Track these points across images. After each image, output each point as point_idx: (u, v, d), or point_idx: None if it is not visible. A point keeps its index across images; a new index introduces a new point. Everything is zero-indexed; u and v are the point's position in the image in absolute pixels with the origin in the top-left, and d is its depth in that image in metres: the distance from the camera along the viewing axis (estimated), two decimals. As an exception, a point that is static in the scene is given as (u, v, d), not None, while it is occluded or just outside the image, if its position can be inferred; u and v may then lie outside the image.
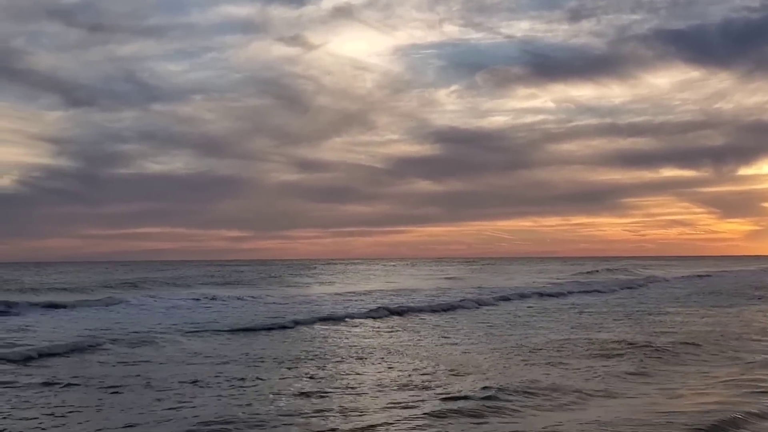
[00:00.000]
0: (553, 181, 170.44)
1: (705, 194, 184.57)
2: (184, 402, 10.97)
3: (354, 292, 40.25)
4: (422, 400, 10.86)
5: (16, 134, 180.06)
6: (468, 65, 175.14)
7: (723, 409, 10.07)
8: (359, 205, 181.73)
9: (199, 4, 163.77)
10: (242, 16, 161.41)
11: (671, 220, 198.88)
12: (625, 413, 10.03)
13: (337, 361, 14.88)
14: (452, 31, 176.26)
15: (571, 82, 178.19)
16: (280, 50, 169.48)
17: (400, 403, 10.72)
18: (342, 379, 12.82)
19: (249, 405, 10.69)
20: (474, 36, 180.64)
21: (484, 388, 11.57)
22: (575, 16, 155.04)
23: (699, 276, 64.08)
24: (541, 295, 37.96)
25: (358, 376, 13.16)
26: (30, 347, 16.42)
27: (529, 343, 17.46)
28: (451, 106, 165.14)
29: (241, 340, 18.64)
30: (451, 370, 13.53)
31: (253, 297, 36.08)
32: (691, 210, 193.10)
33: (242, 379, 12.85)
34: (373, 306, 29.11)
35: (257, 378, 12.94)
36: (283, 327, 21.48)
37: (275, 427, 9.44)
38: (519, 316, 25.64)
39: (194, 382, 12.55)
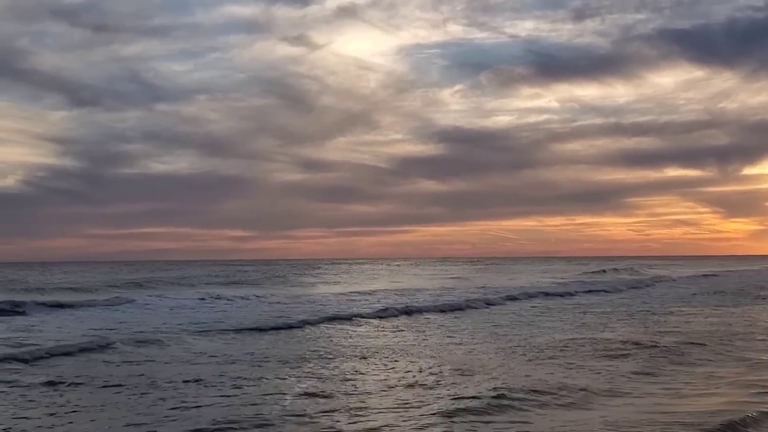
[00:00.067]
0: (558, 181, 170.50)
1: (709, 194, 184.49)
2: (190, 402, 10.96)
3: (359, 292, 40.23)
4: (430, 400, 10.85)
5: (21, 134, 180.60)
6: (472, 65, 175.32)
7: (731, 409, 10.06)
8: (363, 205, 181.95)
9: (203, 4, 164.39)
10: (246, 16, 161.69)
11: (676, 220, 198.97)
12: (633, 413, 10.03)
13: (344, 361, 14.88)
14: (456, 30, 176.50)
15: (576, 82, 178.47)
16: (284, 50, 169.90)
17: (408, 403, 10.71)
18: (349, 379, 12.81)
19: (254, 405, 10.68)
20: (478, 36, 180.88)
21: (492, 388, 11.56)
22: (579, 15, 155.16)
23: (704, 276, 63.93)
24: (547, 294, 37.92)
25: (365, 375, 13.16)
26: (38, 347, 16.45)
27: (535, 343, 17.44)
28: (455, 105, 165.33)
29: (248, 339, 18.64)
30: (459, 370, 13.52)
31: (258, 296, 36.05)
32: (695, 210, 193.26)
33: (248, 378, 12.84)
34: (380, 306, 29.16)
35: (263, 378, 12.93)
36: (290, 327, 21.47)
37: (280, 427, 9.42)
38: (525, 316, 25.63)
39: (198, 381, 12.55)
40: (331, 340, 18.54)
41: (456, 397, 11.03)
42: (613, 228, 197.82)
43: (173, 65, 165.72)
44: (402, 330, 21.11)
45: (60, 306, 28.49)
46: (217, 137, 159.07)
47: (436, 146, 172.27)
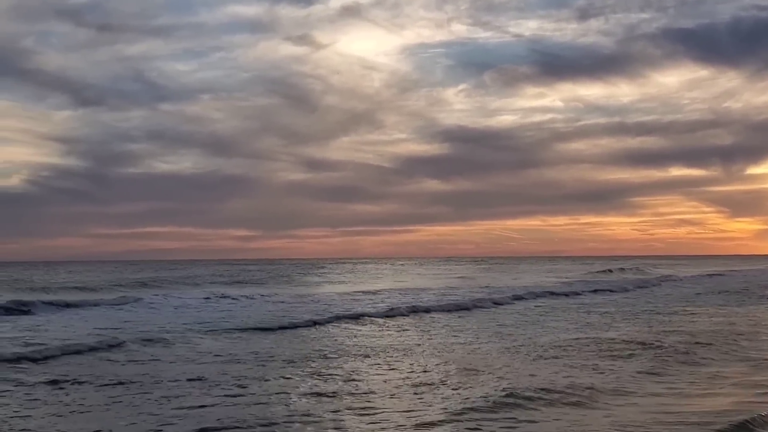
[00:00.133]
0: (562, 181, 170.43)
1: (714, 193, 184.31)
2: (195, 401, 10.98)
3: (364, 292, 40.23)
4: (438, 400, 10.86)
5: (25, 134, 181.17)
6: (476, 64, 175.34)
7: (738, 409, 10.06)
8: (367, 205, 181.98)
9: (207, 3, 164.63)
10: (250, 16, 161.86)
11: (680, 220, 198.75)
12: (640, 413, 10.03)
13: (351, 360, 14.89)
14: (460, 30, 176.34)
15: (580, 81, 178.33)
16: (288, 50, 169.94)
17: (415, 403, 10.72)
18: (356, 378, 12.82)
19: (259, 404, 10.70)
20: (482, 35, 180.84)
21: (500, 387, 11.59)
22: (584, 15, 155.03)
23: (710, 275, 63.80)
24: (553, 294, 37.82)
25: (372, 375, 13.17)
26: (44, 346, 16.46)
27: (542, 342, 17.43)
28: (459, 105, 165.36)
29: (254, 339, 18.64)
30: (466, 370, 13.52)
31: (263, 296, 36.12)
32: (699, 209, 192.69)
33: (253, 378, 12.86)
34: (386, 305, 29.21)
35: (269, 377, 12.94)
36: (297, 326, 21.49)
37: (287, 427, 9.43)
38: (532, 316, 25.60)
39: (204, 380, 12.57)
40: (338, 340, 18.55)
41: (464, 396, 11.04)
42: (617, 227, 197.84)
43: (177, 65, 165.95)
44: (409, 329, 21.13)
45: (66, 305, 28.50)
46: (221, 137, 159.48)
47: (440, 146, 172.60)
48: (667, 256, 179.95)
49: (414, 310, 26.78)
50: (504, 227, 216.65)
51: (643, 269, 77.05)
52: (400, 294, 37.67)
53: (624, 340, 17.52)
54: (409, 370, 13.63)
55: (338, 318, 23.71)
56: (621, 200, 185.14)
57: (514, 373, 13.12)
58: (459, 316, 25.59)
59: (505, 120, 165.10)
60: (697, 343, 17.10)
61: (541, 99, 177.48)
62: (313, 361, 14.77)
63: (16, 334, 19.47)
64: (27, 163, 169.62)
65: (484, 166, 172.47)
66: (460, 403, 10.56)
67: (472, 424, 9.39)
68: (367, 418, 9.84)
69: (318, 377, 12.96)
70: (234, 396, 11.34)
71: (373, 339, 18.74)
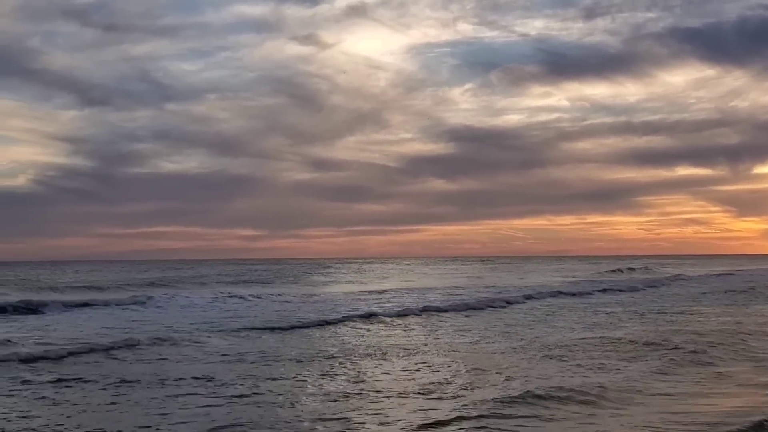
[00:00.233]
0: (568, 180, 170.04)
1: (720, 193, 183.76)
2: (204, 402, 10.97)
3: (372, 291, 40.26)
4: (449, 400, 10.82)
5: (32, 134, 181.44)
6: (482, 64, 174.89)
7: (748, 410, 10.01)
8: (373, 204, 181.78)
9: (213, 3, 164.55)
10: (256, 16, 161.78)
11: (686, 219, 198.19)
12: (652, 414, 9.98)
13: (361, 360, 14.86)
14: (466, 29, 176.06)
15: (586, 81, 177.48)
16: (294, 49, 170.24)
17: (426, 403, 10.69)
18: (366, 378, 12.78)
19: (267, 405, 10.68)
20: (488, 34, 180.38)
21: (512, 387, 11.58)
22: (590, 14, 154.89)
23: (718, 275, 63.68)
24: (564, 294, 37.62)
25: (383, 375, 13.13)
26: (53, 346, 16.51)
27: (554, 342, 17.36)
28: (466, 104, 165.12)
29: (264, 338, 18.60)
30: (478, 370, 13.47)
31: (271, 295, 36.15)
32: (706, 208, 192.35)
33: (263, 378, 12.84)
34: (395, 305, 29.21)
35: (279, 377, 12.93)
36: (305, 326, 21.46)
37: (296, 427, 9.40)
38: (545, 315, 25.51)
39: (212, 379, 12.55)
40: (347, 339, 18.52)
41: (477, 397, 11.01)
42: (623, 227, 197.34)
43: (183, 65, 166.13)
44: (419, 329, 21.07)
45: (75, 305, 28.53)
46: (227, 136, 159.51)
47: (446, 145, 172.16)
48: (674, 255, 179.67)
49: (424, 310, 26.65)
50: (510, 227, 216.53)
51: (653, 269, 76.86)
52: (408, 294, 37.65)
53: (634, 340, 17.45)
54: (420, 370, 13.60)
55: (347, 318, 23.64)
56: (627, 200, 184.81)
57: (526, 373, 13.08)
58: (469, 316, 25.51)
59: (511, 119, 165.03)
60: (706, 342, 17.00)
61: (547, 98, 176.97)
62: (322, 361, 14.74)
63: (25, 334, 19.50)
64: (33, 163, 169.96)
65: (490, 166, 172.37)
66: (473, 404, 10.52)
67: (487, 424, 9.31)
68: (377, 418, 9.80)
69: (327, 377, 12.94)
70: (241, 396, 11.32)
71: (383, 339, 18.69)
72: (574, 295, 37.29)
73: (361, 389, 11.73)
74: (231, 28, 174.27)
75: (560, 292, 38.17)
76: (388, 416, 9.86)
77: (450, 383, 12.16)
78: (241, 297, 34.32)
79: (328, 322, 22.33)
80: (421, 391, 11.50)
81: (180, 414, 10.17)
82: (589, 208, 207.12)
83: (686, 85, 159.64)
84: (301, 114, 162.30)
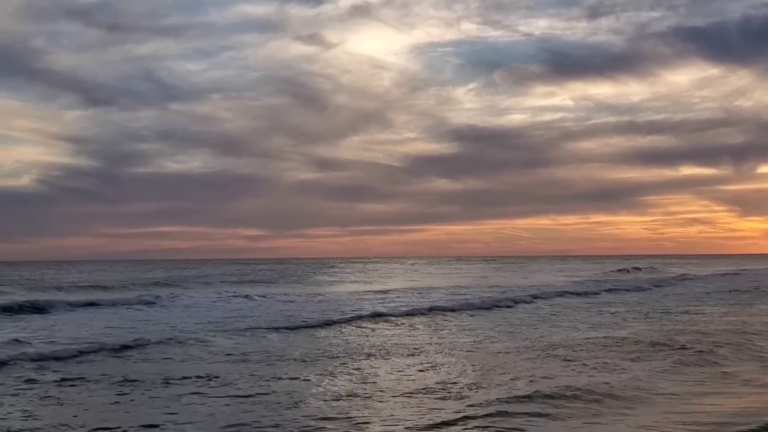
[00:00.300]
0: (572, 180, 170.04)
1: (725, 192, 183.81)
2: (209, 402, 10.95)
3: (377, 291, 40.23)
4: (454, 401, 10.76)
5: (36, 134, 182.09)
6: (486, 63, 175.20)
7: (756, 410, 9.94)
8: (377, 204, 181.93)
9: (217, 3, 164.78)
10: (260, 15, 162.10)
11: (691, 219, 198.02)
12: (661, 414, 9.92)
13: (368, 360, 14.80)
14: (470, 29, 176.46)
15: (590, 80, 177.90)
16: (298, 49, 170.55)
17: (433, 404, 10.62)
18: (371, 378, 12.72)
19: (272, 405, 10.64)
20: (492, 34, 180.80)
21: (520, 388, 11.52)
22: (594, 13, 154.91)
23: (730, 274, 63.67)
24: (571, 293, 37.45)
25: (389, 375, 13.07)
26: (60, 346, 16.48)
27: (562, 342, 17.27)
28: (469, 104, 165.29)
29: (270, 338, 18.52)
30: (485, 370, 13.42)
31: (277, 295, 36.21)
32: (710, 208, 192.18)
33: (267, 378, 12.80)
34: (400, 304, 29.21)
35: (284, 377, 12.88)
36: (311, 326, 21.40)
37: (302, 428, 9.33)
38: (553, 315, 25.42)
39: (217, 379, 12.52)
40: (354, 339, 18.45)
41: (482, 397, 10.95)
42: (627, 227, 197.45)
43: (187, 64, 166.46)
44: (424, 329, 20.99)
45: (81, 305, 28.52)
46: (230, 136, 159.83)
47: (450, 145, 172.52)
48: (678, 255, 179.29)
49: (429, 310, 26.51)
50: (514, 226, 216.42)
51: (659, 268, 76.71)
52: (413, 293, 37.60)
53: (641, 340, 17.39)
54: (426, 370, 13.56)
55: (352, 317, 23.55)
56: (631, 199, 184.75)
57: (532, 373, 13.03)
58: (474, 316, 25.41)
59: (515, 119, 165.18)
60: (713, 342, 16.92)
61: (551, 98, 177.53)
62: (327, 361, 14.70)
63: (31, 334, 19.49)
64: (37, 163, 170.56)
65: (493, 166, 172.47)
66: (480, 403, 10.47)
67: (493, 423, 9.24)
68: (383, 418, 9.75)
69: (332, 376, 12.90)
70: (246, 396, 11.28)
71: (389, 338, 18.63)
72: (580, 294, 37.19)
73: (367, 389, 11.69)
74: (235, 27, 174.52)
75: (566, 292, 38.04)
76: (393, 416, 9.81)
77: (456, 383, 12.11)
78: (246, 296, 34.32)
79: (332, 322, 22.26)
80: (426, 391, 11.45)
81: (185, 414, 10.14)
82: (593, 207, 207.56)
83: (690, 84, 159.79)
84: (305, 114, 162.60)
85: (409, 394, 11.21)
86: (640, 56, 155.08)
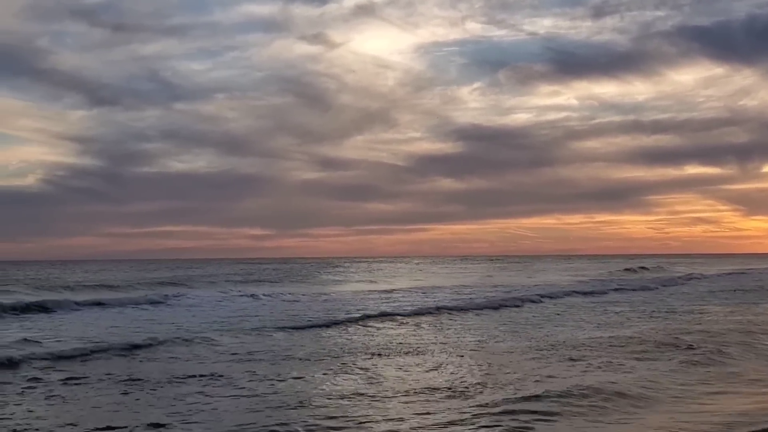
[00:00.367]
0: (577, 179, 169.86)
1: (730, 191, 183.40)
2: (214, 402, 10.93)
3: (383, 290, 40.20)
4: (462, 402, 10.72)
5: (41, 133, 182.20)
6: (491, 63, 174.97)
7: (762, 411, 9.89)
8: (381, 204, 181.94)
9: (222, 3, 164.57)
10: (264, 15, 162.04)
11: (696, 218, 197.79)
12: (673, 415, 9.88)
13: (374, 360, 14.77)
14: (475, 28, 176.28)
15: (595, 79, 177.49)
16: (302, 48, 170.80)
17: (440, 404, 10.60)
18: (381, 379, 12.67)
19: (277, 405, 10.61)
20: (496, 33, 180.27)
21: (530, 388, 11.47)
22: (598, 12, 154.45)
23: (737, 273, 63.53)
24: (578, 293, 37.27)
25: (396, 375, 13.03)
26: (66, 346, 16.47)
27: (572, 342, 17.21)
28: (474, 103, 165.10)
29: (276, 337, 18.50)
30: (492, 370, 13.37)
31: (283, 294, 36.24)
32: (715, 207, 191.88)
33: (273, 378, 12.78)
34: (407, 304, 29.22)
35: (289, 377, 12.85)
36: (316, 325, 21.36)
37: (308, 429, 9.31)
38: (562, 315, 25.33)
39: (223, 377, 12.52)
40: (360, 339, 18.41)
41: (489, 397, 10.92)
42: (632, 226, 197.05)
43: (192, 64, 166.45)
44: (430, 328, 20.93)
45: (87, 304, 28.52)
46: (235, 136, 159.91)
47: (455, 144, 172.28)
48: (683, 254, 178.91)
49: (435, 309, 26.43)
50: (518, 226, 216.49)
51: (666, 268, 76.58)
52: (419, 293, 37.59)
53: (648, 340, 17.36)
54: (432, 369, 13.54)
55: (358, 317, 23.47)
56: (636, 198, 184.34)
57: (539, 372, 12.99)
58: (480, 315, 25.35)
59: (520, 118, 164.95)
60: (721, 341, 16.88)
61: (555, 97, 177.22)
62: (333, 360, 14.68)
63: (38, 333, 19.49)
64: (42, 163, 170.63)
65: (498, 165, 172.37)
66: (487, 403, 10.44)
67: (500, 422, 9.21)
68: (388, 418, 9.72)
69: (338, 376, 12.89)
70: (251, 395, 11.27)
71: (395, 338, 18.58)
72: (588, 294, 37.09)
73: (373, 389, 11.67)
74: (239, 27, 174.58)
75: (574, 291, 37.94)
76: (399, 416, 9.78)
77: (463, 382, 12.08)
78: (251, 296, 34.32)
79: (338, 322, 22.24)
80: (433, 391, 11.42)
81: (191, 413, 10.13)
82: (598, 207, 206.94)
83: (695, 83, 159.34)
84: (310, 113, 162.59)
85: (415, 394, 11.19)
86: (645, 55, 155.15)
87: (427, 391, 11.35)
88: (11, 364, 13.94)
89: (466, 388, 11.62)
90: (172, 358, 15.06)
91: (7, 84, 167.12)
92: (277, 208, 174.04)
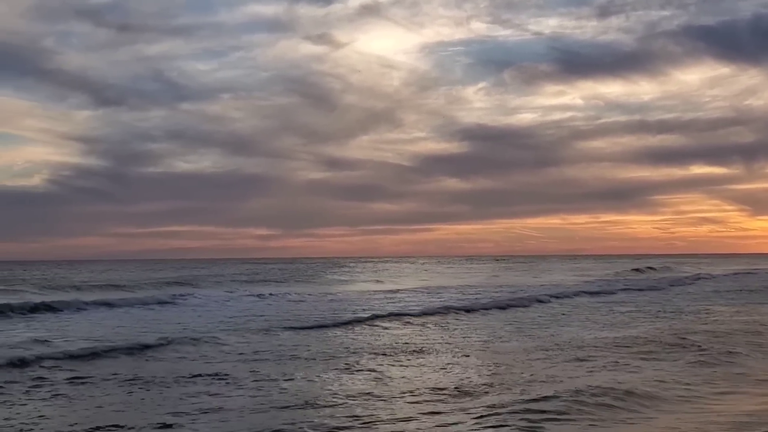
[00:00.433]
0: (582, 179, 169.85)
1: (735, 191, 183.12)
2: (218, 401, 10.93)
3: (389, 290, 40.23)
4: (471, 403, 10.68)
5: (46, 134, 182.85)
6: (496, 62, 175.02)
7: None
8: (386, 203, 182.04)
9: (227, 3, 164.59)
10: (269, 15, 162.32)
11: (701, 218, 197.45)
12: (672, 414, 9.89)
13: (381, 360, 14.75)
14: (480, 28, 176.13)
15: (600, 79, 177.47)
16: (308, 48, 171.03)
17: (446, 405, 10.59)
18: (385, 379, 12.66)
19: (284, 406, 10.60)
20: (502, 33, 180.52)
21: (533, 389, 11.48)
22: (604, 12, 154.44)
23: (744, 273, 63.39)
24: (586, 293, 37.14)
25: (402, 376, 13.02)
26: (79, 346, 16.45)
27: (581, 342, 17.20)
28: (479, 103, 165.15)
29: (283, 337, 18.50)
30: (500, 370, 13.35)
31: (289, 294, 36.30)
32: (721, 207, 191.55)
33: (279, 378, 12.78)
34: (412, 303, 29.28)
35: (297, 377, 12.85)
36: (324, 326, 21.33)
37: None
38: (567, 315, 25.29)
39: (230, 377, 12.52)
40: (367, 339, 18.39)
41: (498, 398, 10.90)
42: (638, 226, 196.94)
43: (197, 64, 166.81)
44: (437, 329, 20.88)
45: (94, 304, 28.53)
46: (240, 136, 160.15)
47: (460, 144, 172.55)
48: (689, 254, 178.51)
49: (442, 309, 26.34)
50: (524, 226, 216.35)
51: (673, 268, 76.45)
52: (425, 293, 37.59)
53: (657, 340, 17.33)
54: (439, 370, 13.53)
55: (365, 317, 23.42)
56: (642, 198, 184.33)
57: (547, 373, 12.98)
58: (488, 315, 25.33)
59: (525, 118, 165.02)
60: (730, 341, 16.87)
61: (561, 97, 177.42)
62: (339, 360, 14.67)
63: (46, 333, 19.54)
64: (48, 163, 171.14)
65: (503, 165, 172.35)
66: (495, 404, 10.41)
67: (506, 421, 9.18)
68: (394, 418, 9.71)
69: (344, 376, 12.88)
70: (257, 395, 11.27)
71: (401, 338, 18.56)
72: (595, 294, 37.01)
73: (380, 389, 11.66)
74: (244, 27, 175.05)
75: (582, 292, 37.83)
76: (407, 416, 9.78)
77: (470, 383, 12.07)
78: (258, 296, 34.37)
79: (344, 322, 22.20)
80: (440, 392, 11.40)
81: (198, 413, 10.12)
82: (604, 207, 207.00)
83: (701, 83, 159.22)
84: (315, 113, 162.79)
85: (423, 394, 11.18)
86: (651, 55, 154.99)
87: (435, 392, 11.33)
88: (20, 363, 13.95)
89: (475, 388, 11.61)
90: (180, 357, 15.08)
91: (12, 84, 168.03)
92: (282, 208, 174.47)
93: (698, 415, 9.75)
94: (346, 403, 10.59)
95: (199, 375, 12.89)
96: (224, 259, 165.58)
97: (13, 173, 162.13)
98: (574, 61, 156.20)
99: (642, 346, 16.25)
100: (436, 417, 9.68)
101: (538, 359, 14.67)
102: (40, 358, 14.51)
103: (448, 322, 22.63)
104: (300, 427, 9.17)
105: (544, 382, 12.05)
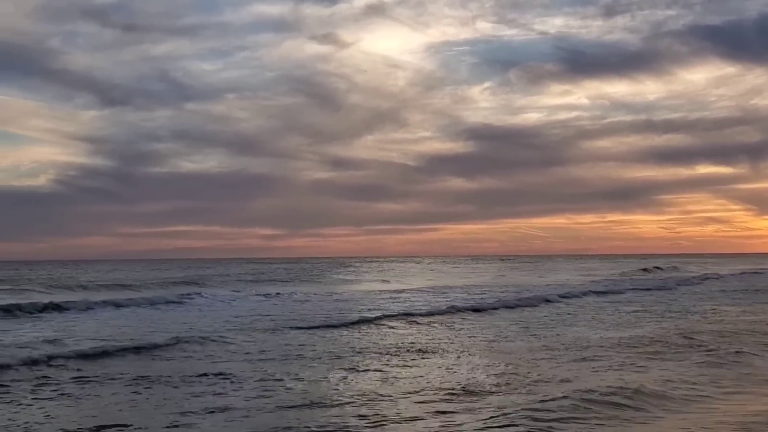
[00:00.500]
0: (588, 178, 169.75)
1: (741, 191, 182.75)
2: (223, 401, 10.94)
3: (395, 290, 40.23)
4: (481, 404, 10.67)
5: (52, 134, 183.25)
6: (501, 62, 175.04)
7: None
8: (392, 203, 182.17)
9: (233, 3, 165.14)
10: (275, 15, 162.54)
11: (707, 218, 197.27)
12: (680, 414, 9.88)
13: (387, 360, 14.74)
14: (485, 27, 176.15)
15: (606, 79, 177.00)
16: (313, 48, 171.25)
17: (452, 406, 10.58)
18: (392, 380, 12.66)
19: (291, 406, 10.60)
20: (507, 33, 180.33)
21: (541, 389, 11.49)
22: (609, 12, 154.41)
23: (752, 273, 63.25)
24: (594, 293, 37.02)
25: (409, 376, 13.01)
26: (86, 346, 16.50)
27: (588, 342, 17.20)
28: (485, 103, 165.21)
29: (290, 336, 18.50)
30: (508, 371, 13.33)
31: (296, 293, 36.34)
32: (727, 207, 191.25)
33: (285, 378, 12.78)
34: (419, 303, 29.28)
35: (304, 378, 12.85)
36: (331, 325, 21.30)
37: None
38: (575, 315, 25.23)
39: (236, 377, 12.53)
40: (373, 339, 18.38)
41: (505, 399, 10.90)
42: (644, 226, 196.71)
43: (202, 64, 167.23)
44: (444, 329, 20.86)
45: (101, 304, 28.55)
46: (246, 136, 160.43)
47: (465, 144, 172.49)
48: (695, 254, 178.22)
49: (449, 310, 26.30)
50: (529, 225, 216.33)
51: (680, 268, 76.30)
52: (431, 292, 37.57)
53: (664, 340, 17.31)
54: (446, 370, 13.52)
55: (371, 317, 23.43)
56: (648, 198, 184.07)
57: (554, 374, 12.96)
58: (495, 315, 25.28)
59: (531, 118, 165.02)
60: (738, 341, 16.84)
61: (566, 96, 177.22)
62: (345, 360, 14.67)
63: (53, 333, 19.56)
64: (54, 163, 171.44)
65: (509, 164, 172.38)
66: (504, 404, 10.42)
67: (514, 421, 9.16)
68: (400, 419, 9.71)
69: (350, 376, 12.88)
70: (264, 395, 11.26)
71: (408, 338, 18.55)
72: (602, 293, 36.93)
73: (386, 389, 11.65)
74: (250, 27, 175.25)
75: (590, 291, 37.75)
76: (414, 416, 9.77)
77: (478, 384, 12.06)
78: (264, 295, 34.41)
79: (351, 322, 22.18)
80: (447, 393, 11.39)
81: (204, 413, 10.13)
82: (609, 206, 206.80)
83: (707, 82, 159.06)
84: (320, 113, 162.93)
85: (430, 395, 11.18)
86: (656, 55, 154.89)
87: (443, 393, 11.32)
88: (29, 362, 13.98)
89: (481, 388, 11.61)
90: (187, 357, 15.09)
91: (18, 84, 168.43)
92: (287, 208, 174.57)
93: (705, 415, 9.74)
94: (353, 402, 10.59)
95: (206, 374, 12.91)
96: (230, 259, 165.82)
97: (19, 173, 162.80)
98: (580, 61, 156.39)
99: (649, 346, 16.24)
100: (443, 417, 9.67)
101: (544, 359, 14.66)
102: (50, 357, 14.53)
103: (454, 322, 22.61)
104: (306, 427, 9.18)
105: (550, 382, 12.05)
